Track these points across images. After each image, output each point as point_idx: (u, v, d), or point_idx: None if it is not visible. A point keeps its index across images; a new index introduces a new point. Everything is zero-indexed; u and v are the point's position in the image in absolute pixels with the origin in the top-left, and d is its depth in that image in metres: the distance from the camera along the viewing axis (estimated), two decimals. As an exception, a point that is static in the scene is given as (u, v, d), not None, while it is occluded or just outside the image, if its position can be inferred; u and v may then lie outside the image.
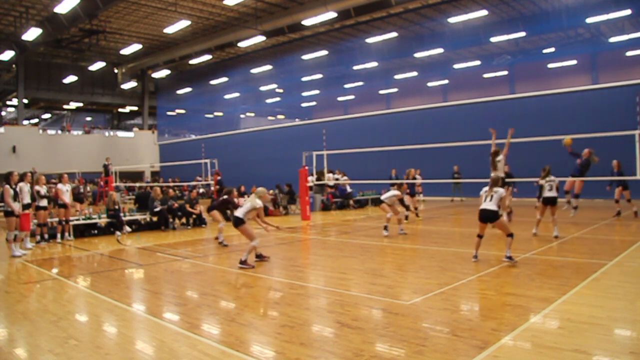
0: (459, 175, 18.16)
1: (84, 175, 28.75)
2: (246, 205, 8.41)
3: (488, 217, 7.73)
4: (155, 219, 14.13)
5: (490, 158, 11.51)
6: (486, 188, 7.95)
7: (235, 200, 11.56)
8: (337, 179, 20.05)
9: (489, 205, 7.73)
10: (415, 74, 35.18)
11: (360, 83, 37.58)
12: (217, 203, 11.37)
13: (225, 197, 10.87)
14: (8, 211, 9.84)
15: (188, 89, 38.85)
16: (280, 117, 47.32)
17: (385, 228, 11.21)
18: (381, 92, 39.36)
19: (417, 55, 30.46)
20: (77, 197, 13.73)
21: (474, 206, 15.49)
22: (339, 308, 5.45)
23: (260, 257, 8.50)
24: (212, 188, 19.61)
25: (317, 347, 4.28)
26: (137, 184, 29.87)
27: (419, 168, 20.03)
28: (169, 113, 41.56)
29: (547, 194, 10.13)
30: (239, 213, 8.35)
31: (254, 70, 33.23)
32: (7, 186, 9.86)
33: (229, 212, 16.69)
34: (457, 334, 4.45)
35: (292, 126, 33.36)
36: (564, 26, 25.34)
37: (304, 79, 35.79)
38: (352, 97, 41.48)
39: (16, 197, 9.93)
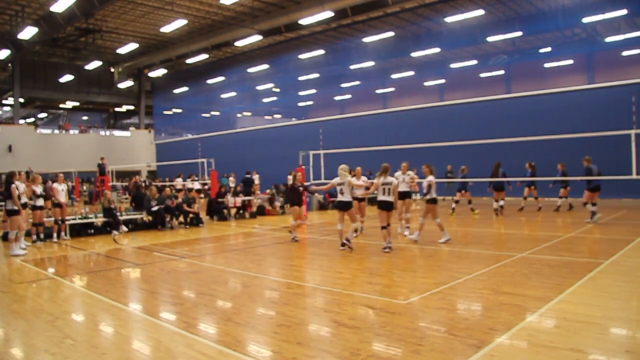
0: (452, 175, 18.19)
1: (81, 175, 28.64)
2: (345, 188, 8.87)
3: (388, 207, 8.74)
4: (150, 218, 14.12)
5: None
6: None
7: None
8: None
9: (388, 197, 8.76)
10: (411, 73, 35.27)
11: (357, 82, 37.67)
12: (297, 194, 10.76)
13: (299, 186, 10.87)
14: (13, 210, 9.82)
15: (185, 88, 38.77)
16: (277, 116, 47.35)
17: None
18: (378, 91, 39.44)
19: (414, 54, 30.53)
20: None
21: (467, 205, 15.53)
22: (336, 307, 5.45)
23: (348, 242, 8.87)
24: (208, 187, 19.55)
25: (314, 347, 4.28)
26: (134, 181, 29.72)
27: (415, 168, 20.00)
28: (166, 112, 41.45)
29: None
30: (346, 197, 8.83)
31: (251, 70, 33.20)
32: (14, 185, 9.85)
33: (225, 211, 16.86)
34: (454, 333, 4.46)
35: (289, 125, 33.32)
36: (560, 26, 25.45)
37: (301, 78, 35.80)
38: (348, 96, 41.56)
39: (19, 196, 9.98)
